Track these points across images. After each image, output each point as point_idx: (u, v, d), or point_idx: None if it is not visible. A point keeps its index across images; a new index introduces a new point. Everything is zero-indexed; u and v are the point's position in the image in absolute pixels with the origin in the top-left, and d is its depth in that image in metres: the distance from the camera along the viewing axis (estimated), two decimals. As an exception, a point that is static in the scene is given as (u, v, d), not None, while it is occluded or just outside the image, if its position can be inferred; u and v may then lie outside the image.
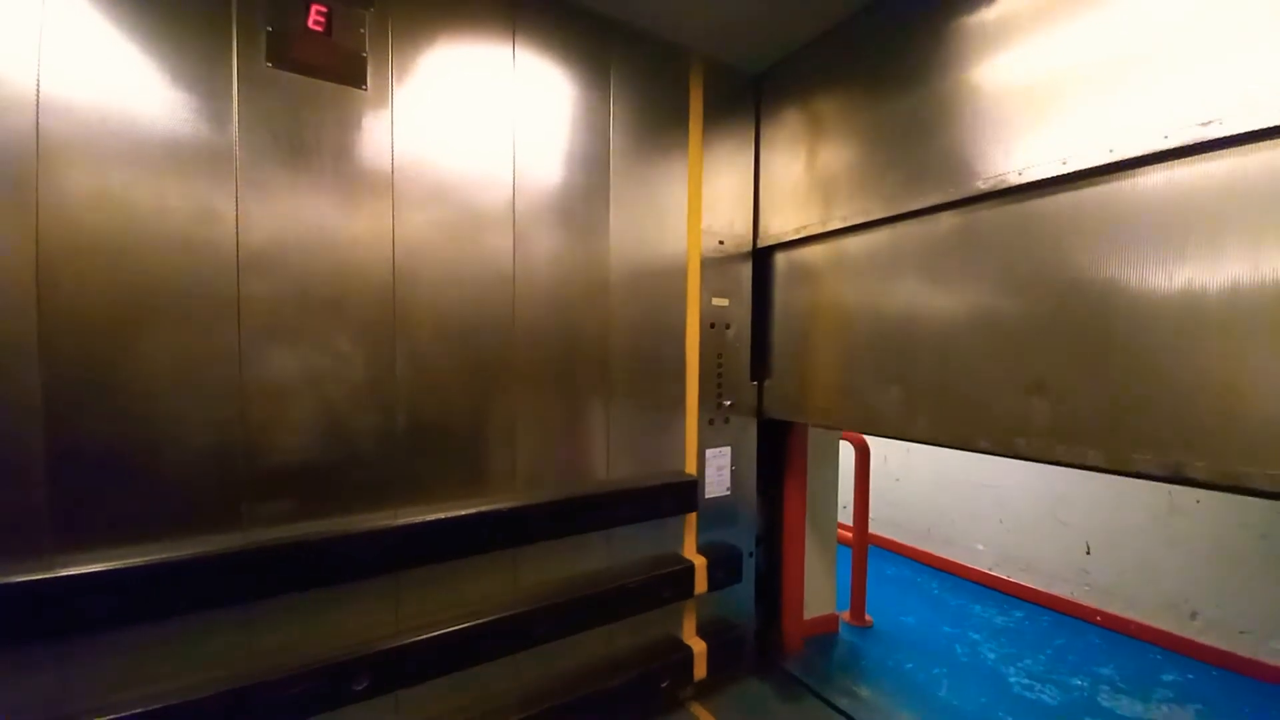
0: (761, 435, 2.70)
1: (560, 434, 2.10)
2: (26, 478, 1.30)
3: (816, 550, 3.01)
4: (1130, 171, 1.39)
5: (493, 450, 1.95)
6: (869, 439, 3.43)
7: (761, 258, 2.63)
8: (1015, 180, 1.59)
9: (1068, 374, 1.51)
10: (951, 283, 1.82)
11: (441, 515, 1.80)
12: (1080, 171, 1.46)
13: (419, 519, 1.76)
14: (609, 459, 2.20)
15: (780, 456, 2.85)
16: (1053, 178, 1.51)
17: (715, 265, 2.48)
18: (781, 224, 2.47)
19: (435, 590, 1.83)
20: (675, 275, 2.37)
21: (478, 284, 1.90)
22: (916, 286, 1.94)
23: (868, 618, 3.34)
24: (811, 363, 2.39)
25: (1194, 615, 3.19)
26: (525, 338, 1.99)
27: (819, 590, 3.07)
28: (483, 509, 1.87)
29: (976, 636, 3.23)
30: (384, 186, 1.72)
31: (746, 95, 2.57)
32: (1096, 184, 1.45)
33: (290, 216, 1.59)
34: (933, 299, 1.88)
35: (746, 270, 2.59)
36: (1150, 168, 1.35)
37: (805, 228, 2.33)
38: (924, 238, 1.90)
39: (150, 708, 1.36)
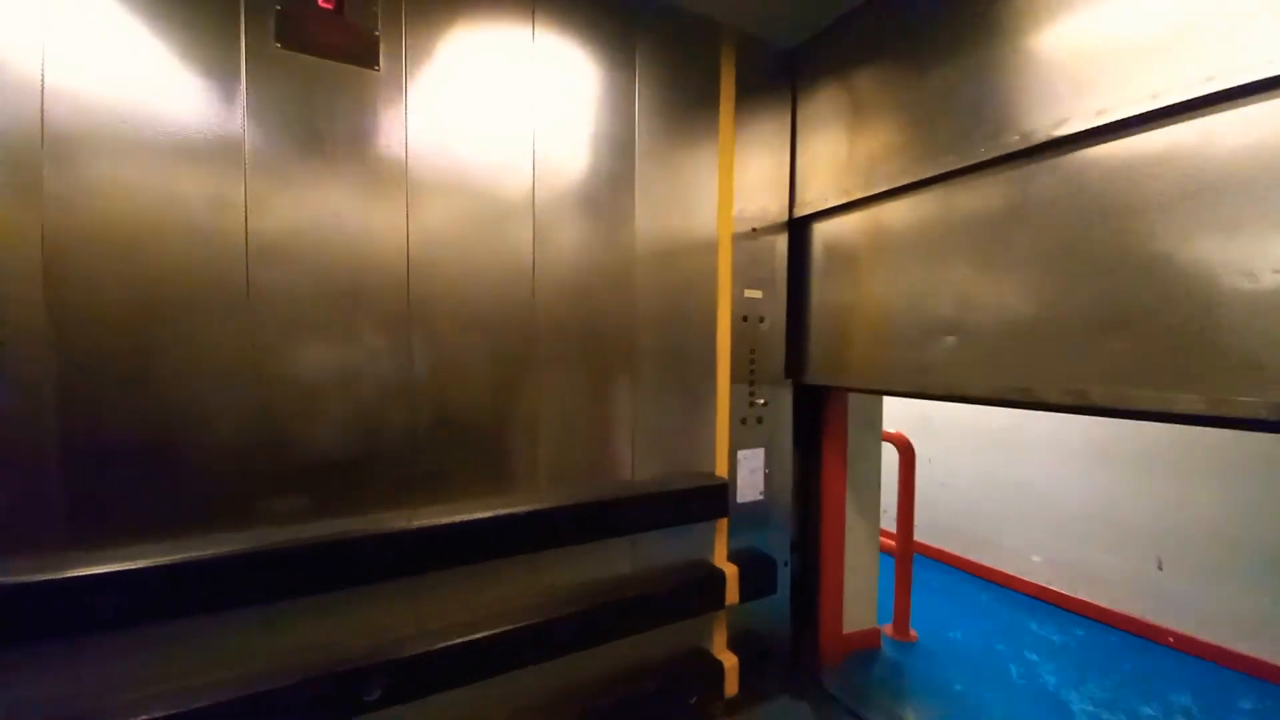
0: (798, 433, 2.54)
1: (584, 433, 1.99)
2: (37, 475, 1.27)
3: (857, 558, 2.83)
4: (1234, 102, 1.20)
5: (513, 450, 1.86)
6: (913, 439, 3.22)
7: (798, 231, 2.46)
8: (1092, 123, 1.41)
9: (1150, 304, 1.33)
10: (1010, 237, 1.65)
11: (461, 518, 1.71)
12: (1172, 106, 1.27)
13: (438, 521, 1.67)
14: (634, 459, 2.08)
15: (817, 456, 2.68)
16: (1139, 115, 1.33)
17: (748, 254, 2.33)
18: (820, 194, 2.30)
19: (454, 594, 1.75)
20: (705, 266, 2.23)
21: (496, 275, 1.80)
22: (970, 243, 1.76)
23: (912, 632, 3.13)
24: (851, 332, 2.22)
25: (1276, 637, 2.90)
26: (546, 332, 1.89)
27: (859, 601, 2.88)
28: (503, 511, 1.77)
29: (1033, 656, 2.99)
30: (397, 171, 1.64)
31: (781, 71, 2.41)
32: (1190, 119, 1.27)
33: (300, 203, 1.52)
34: (989, 255, 1.71)
35: (782, 259, 2.42)
36: (1260, 96, 1.17)
37: (848, 191, 2.16)
38: (980, 196, 1.73)
39: (163, 713, 1.31)
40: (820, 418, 2.68)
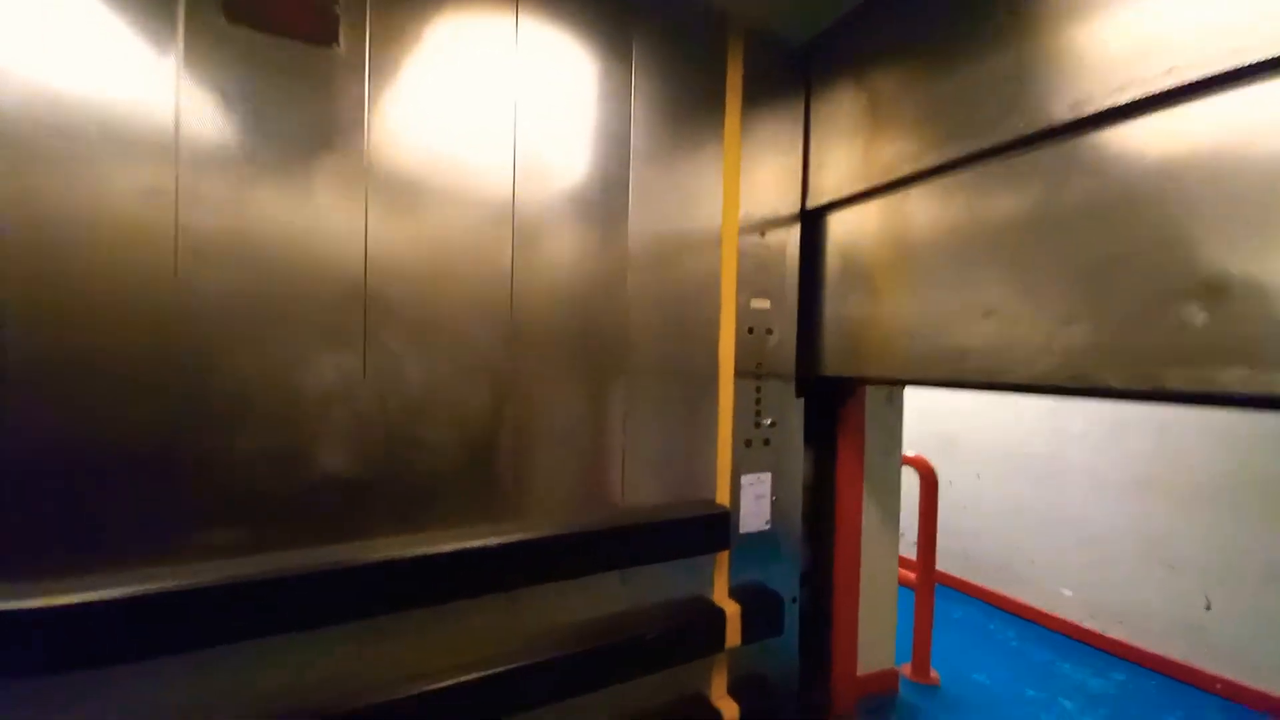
0: (810, 447, 2.32)
1: (568, 458, 1.79)
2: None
3: (874, 592, 2.60)
4: None
5: (487, 475, 1.67)
6: (934, 461, 2.99)
7: (811, 222, 2.25)
8: (1159, 86, 1.19)
9: (1236, 264, 1.11)
10: (1058, 204, 1.43)
11: (425, 551, 1.52)
12: (1258, 65, 1.07)
13: (399, 554, 1.48)
14: (625, 486, 1.88)
15: (830, 477, 2.46)
16: (1217, 75, 1.12)
17: (756, 260, 2.13)
18: (836, 184, 2.10)
19: (414, 637, 1.56)
20: (708, 274, 2.04)
21: (469, 284, 1.62)
22: (1009, 219, 1.56)
23: (933, 674, 2.88)
24: (872, 320, 2.00)
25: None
26: (526, 346, 1.70)
27: (875, 640, 2.64)
28: (475, 544, 1.57)
29: (1069, 705, 2.72)
30: (356, 164, 1.47)
31: (794, 65, 2.22)
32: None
33: (240, 197, 1.35)
34: (1031, 227, 1.50)
35: (793, 265, 2.21)
36: None
37: (867, 178, 1.96)
38: (1021, 174, 1.52)
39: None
40: (835, 431, 2.46)
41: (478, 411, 1.65)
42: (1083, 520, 3.44)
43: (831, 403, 2.47)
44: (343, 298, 1.46)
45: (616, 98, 1.85)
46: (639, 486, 1.91)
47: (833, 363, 2.19)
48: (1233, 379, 1.11)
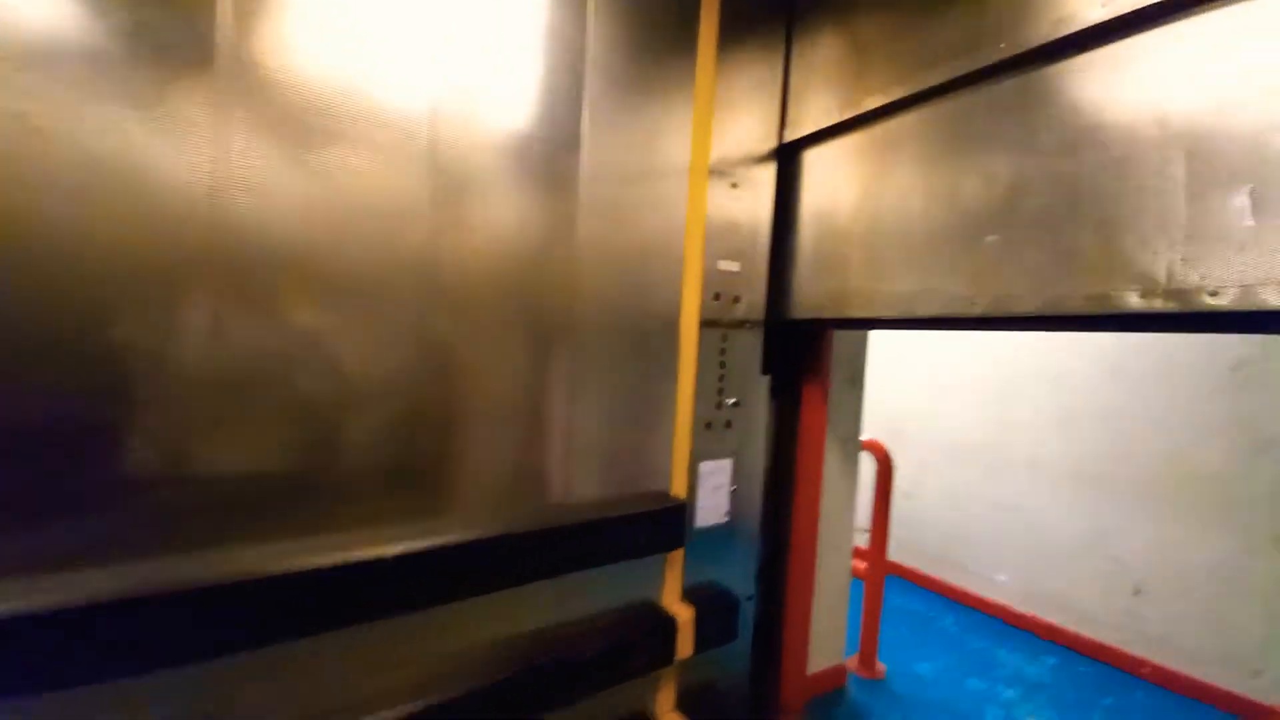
0: (770, 432, 2.09)
1: (501, 444, 1.45)
2: None
3: (828, 585, 2.43)
4: None
5: (394, 466, 1.31)
6: (890, 449, 2.85)
7: (788, 157, 2.00)
8: None
9: None
10: (1073, 108, 1.27)
11: (313, 564, 1.15)
12: None
13: (279, 570, 1.11)
14: (566, 477, 1.57)
15: (790, 462, 2.25)
16: None
17: (725, 216, 1.84)
18: (822, 111, 1.87)
19: (297, 672, 1.19)
20: (669, 227, 1.73)
21: (364, 234, 1.24)
22: (1014, 128, 1.38)
23: (879, 666, 2.77)
24: (855, 255, 1.80)
25: (1257, 673, 2.72)
26: (444, 308, 1.34)
27: (827, 635, 2.50)
28: (376, 554, 1.22)
29: (1010, 694, 2.68)
30: (206, 62, 1.06)
31: (778, -8, 1.93)
32: None
33: (61, 101, 0.92)
34: (1037, 132, 1.34)
35: (765, 221, 1.94)
36: None
37: (856, 103, 1.74)
38: (1029, 94, 1.35)
39: None
40: (798, 413, 2.24)
41: (387, 390, 1.28)
42: (1020, 508, 3.45)
43: (795, 381, 2.25)
44: (182, 242, 1.05)
45: (566, 16, 1.50)
46: (583, 478, 1.60)
47: (805, 305, 1.97)
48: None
